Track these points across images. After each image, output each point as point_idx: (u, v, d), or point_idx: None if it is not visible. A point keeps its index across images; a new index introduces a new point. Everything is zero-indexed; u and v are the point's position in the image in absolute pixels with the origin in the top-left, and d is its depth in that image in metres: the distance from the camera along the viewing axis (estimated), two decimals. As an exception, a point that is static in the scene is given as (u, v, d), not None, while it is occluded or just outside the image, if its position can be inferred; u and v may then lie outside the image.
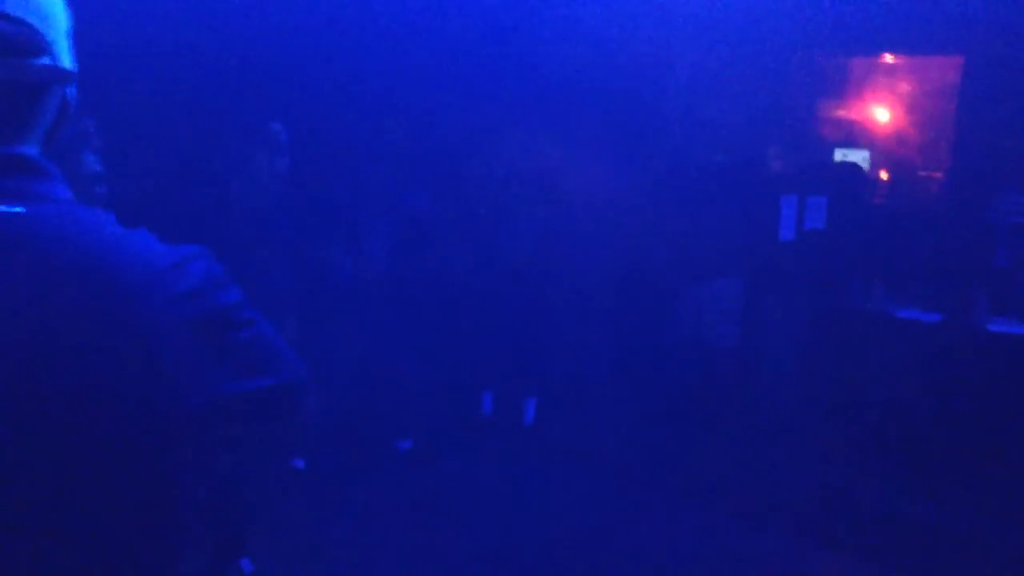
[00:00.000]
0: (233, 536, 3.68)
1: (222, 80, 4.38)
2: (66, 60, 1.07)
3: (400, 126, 5.15)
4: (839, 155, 7.82)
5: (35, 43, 1.01)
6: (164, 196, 3.72)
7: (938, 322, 5.39)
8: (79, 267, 0.98)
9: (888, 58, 7.82)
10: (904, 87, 8.09)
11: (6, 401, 0.93)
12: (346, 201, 4.78)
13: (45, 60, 1.03)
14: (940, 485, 4.96)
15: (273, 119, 3.74)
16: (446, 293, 5.29)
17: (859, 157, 7.94)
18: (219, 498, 3.60)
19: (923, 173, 7.78)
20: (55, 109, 1.07)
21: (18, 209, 0.97)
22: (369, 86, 5.17)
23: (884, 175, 8.05)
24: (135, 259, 1.02)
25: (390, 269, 4.95)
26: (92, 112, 3.58)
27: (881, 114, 8.35)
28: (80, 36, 1.12)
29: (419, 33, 5.43)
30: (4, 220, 0.96)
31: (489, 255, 5.46)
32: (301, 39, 4.77)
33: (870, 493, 4.95)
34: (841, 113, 8.30)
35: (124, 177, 3.66)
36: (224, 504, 3.62)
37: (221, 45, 4.45)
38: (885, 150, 8.22)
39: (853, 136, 8.36)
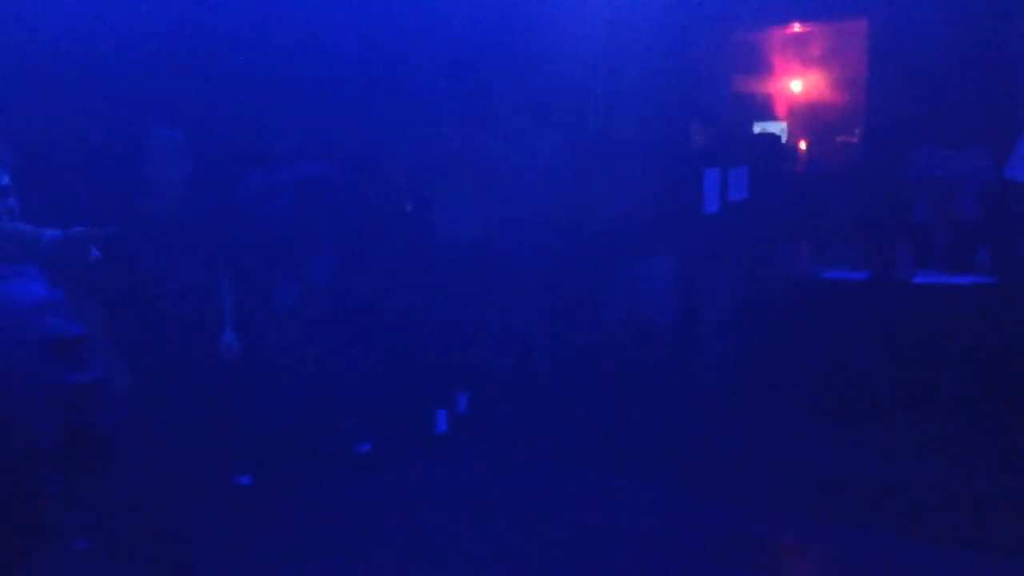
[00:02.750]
0: (174, 560, 3.57)
1: (129, 86, 4.26)
2: None
3: (319, 127, 5.06)
4: (758, 128, 7.96)
5: None
6: (74, 208, 3.60)
7: (865, 280, 5.49)
8: None
9: (796, 27, 7.96)
10: (814, 54, 8.24)
11: None
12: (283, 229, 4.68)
13: None
14: (881, 439, 5.06)
15: (165, 125, 3.63)
16: (389, 293, 5.21)
17: (777, 128, 8.09)
18: (155, 522, 3.49)
19: (840, 137, 7.93)
20: None
21: None
22: (287, 88, 5.06)
23: (803, 143, 8.20)
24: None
25: (333, 279, 4.88)
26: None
27: (795, 84, 8.50)
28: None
29: (333, 28, 5.33)
30: None
31: (425, 250, 5.40)
32: (207, 39, 4.65)
33: (814, 453, 5.02)
34: (757, 86, 8.43)
35: (33, 190, 3.55)
36: (161, 528, 3.51)
37: (125, 51, 4.32)
38: (802, 118, 8.38)
39: (770, 108, 8.51)
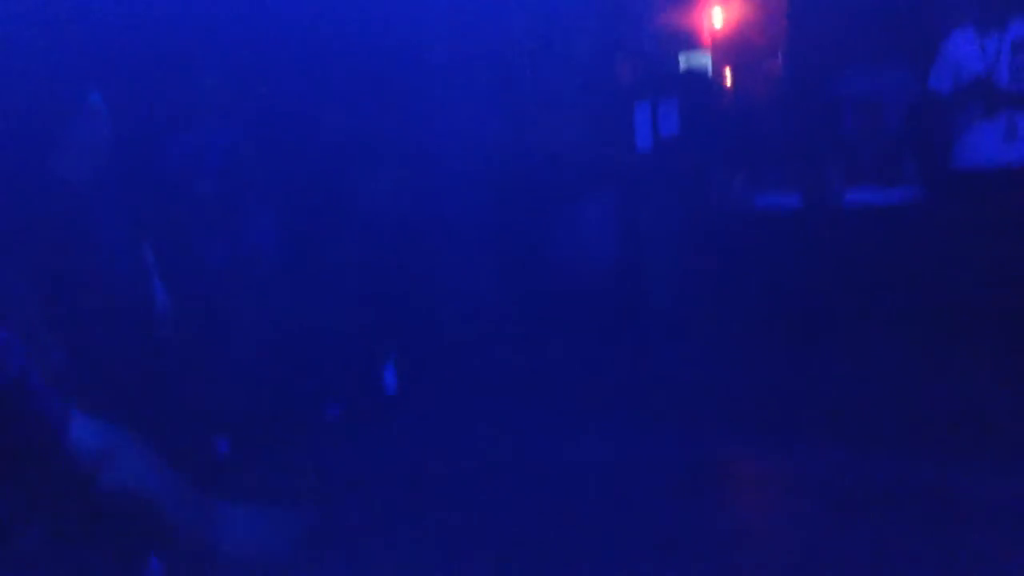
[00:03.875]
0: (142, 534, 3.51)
1: (43, 49, 4.08)
2: None
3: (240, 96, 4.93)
4: (683, 60, 7.93)
5: None
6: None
7: (798, 204, 5.55)
8: None
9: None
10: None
11: None
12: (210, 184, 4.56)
13: None
14: (827, 362, 5.14)
15: (91, 90, 3.50)
16: (333, 259, 5.13)
17: (701, 59, 8.06)
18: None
19: (765, 62, 7.93)
20: None
21: None
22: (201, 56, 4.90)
23: (728, 71, 8.19)
24: None
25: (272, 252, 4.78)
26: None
27: (717, 12, 8.45)
28: None
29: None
30: None
31: (357, 217, 5.32)
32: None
33: (764, 380, 5.10)
34: (679, 17, 8.37)
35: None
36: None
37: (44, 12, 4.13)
38: (725, 47, 8.35)
39: (693, 38, 8.46)
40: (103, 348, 3.40)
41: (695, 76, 6.79)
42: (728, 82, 8.05)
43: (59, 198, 3.37)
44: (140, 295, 3.63)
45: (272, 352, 4.80)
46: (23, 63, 3.89)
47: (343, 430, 4.96)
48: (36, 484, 1.62)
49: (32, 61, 3.92)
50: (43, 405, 1.42)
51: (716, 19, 8.53)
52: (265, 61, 5.23)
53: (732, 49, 8.38)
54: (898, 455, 4.04)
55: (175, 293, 3.83)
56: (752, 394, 4.91)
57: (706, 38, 8.53)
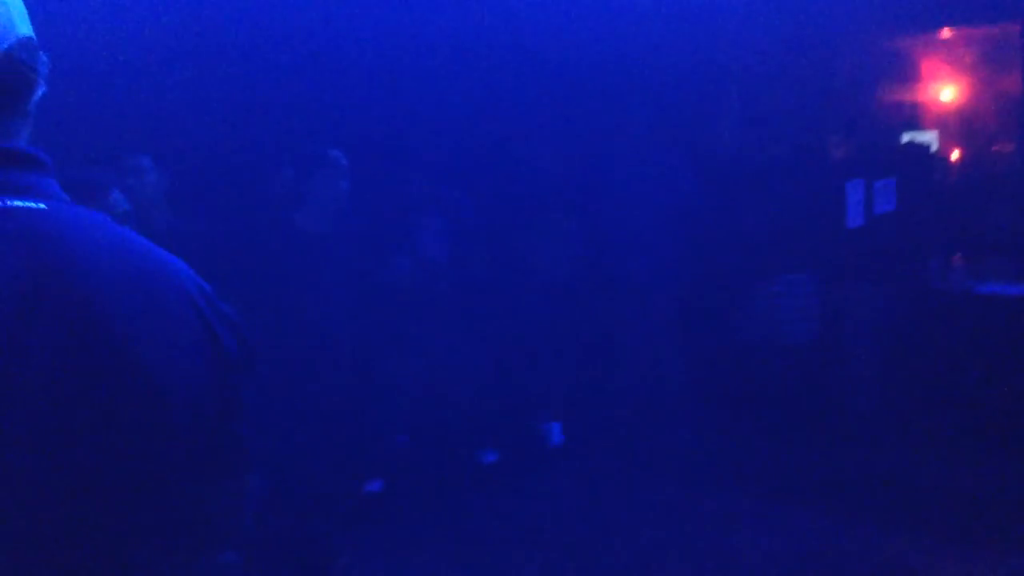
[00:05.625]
0: (315, 568, 3.68)
1: (271, 106, 4.47)
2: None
3: (434, 128, 5.13)
4: (906, 138, 7.61)
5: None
6: (226, 228, 3.78)
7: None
8: (129, 252, 1.06)
9: (946, 32, 7.59)
10: (966, 60, 7.82)
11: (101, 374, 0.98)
12: (394, 203, 4.78)
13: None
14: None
15: (332, 145, 3.80)
16: (503, 305, 5.20)
17: (927, 137, 7.71)
18: (296, 532, 3.61)
19: (995, 147, 7.50)
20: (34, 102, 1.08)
21: (41, 206, 0.99)
22: (398, 90, 5.15)
23: (955, 153, 7.79)
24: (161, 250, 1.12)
25: (448, 270, 4.89)
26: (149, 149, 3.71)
27: (946, 91, 8.09)
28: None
29: (451, 35, 5.39)
30: (32, 216, 0.98)
31: (537, 267, 5.38)
32: (340, 60, 4.80)
33: (969, 480, 4.73)
34: (904, 94, 8.07)
35: (184, 211, 3.77)
36: (298, 539, 3.63)
37: (264, 72, 4.53)
38: (953, 127, 7.96)
39: (919, 116, 8.13)
40: (306, 387, 3.64)
41: (917, 154, 6.49)
42: (954, 162, 7.66)
43: (299, 251, 3.66)
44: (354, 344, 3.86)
45: (438, 391, 4.90)
46: (262, 123, 4.28)
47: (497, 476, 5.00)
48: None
49: (269, 118, 4.31)
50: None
51: (946, 96, 8.16)
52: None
53: (962, 128, 7.97)
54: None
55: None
56: (950, 495, 4.55)
57: (934, 116, 8.17)
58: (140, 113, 4.09)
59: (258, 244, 3.65)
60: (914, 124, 7.86)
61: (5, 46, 0.99)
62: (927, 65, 8.00)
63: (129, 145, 3.67)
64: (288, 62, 4.65)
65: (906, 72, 7.92)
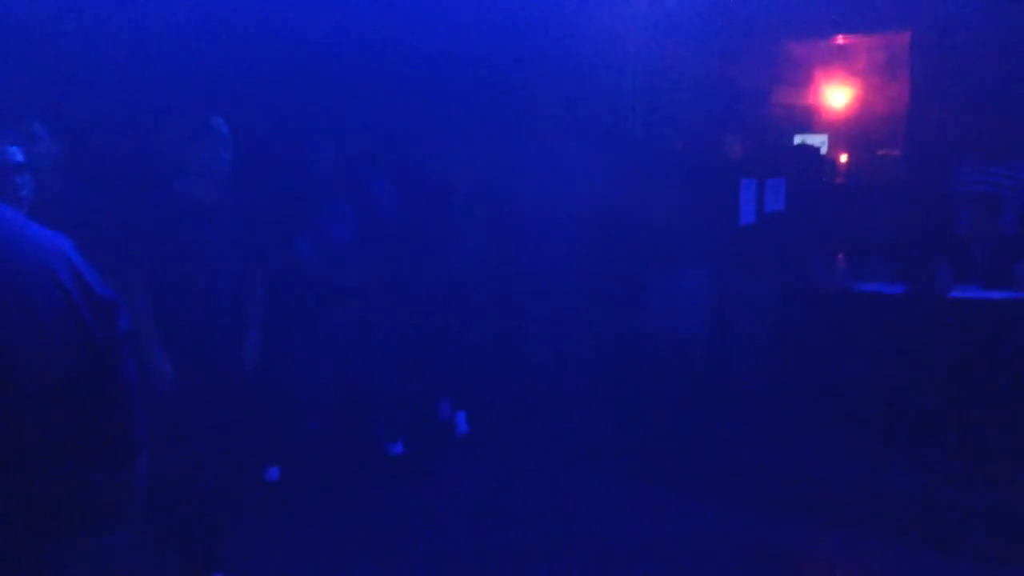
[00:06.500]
0: (205, 552, 3.64)
1: (165, 76, 4.35)
2: None
3: (353, 121, 5.08)
4: (797, 140, 7.90)
5: None
6: (111, 192, 3.68)
7: (901, 294, 5.42)
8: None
9: (839, 39, 7.89)
10: (857, 67, 8.16)
11: None
12: (302, 188, 4.71)
13: None
14: (917, 453, 4.98)
15: (213, 113, 3.70)
16: (411, 294, 5.21)
17: (817, 140, 8.02)
18: (187, 514, 3.56)
19: (881, 151, 7.85)
20: None
21: None
22: (319, 81, 5.10)
23: (843, 156, 8.12)
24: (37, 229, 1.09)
25: (356, 262, 4.84)
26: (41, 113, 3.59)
27: (836, 96, 8.42)
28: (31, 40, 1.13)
29: (375, 30, 5.36)
30: None
31: (445, 258, 5.40)
32: (249, 33, 4.71)
33: (848, 468, 4.96)
34: (797, 98, 8.36)
35: (73, 174, 3.66)
36: (193, 520, 3.59)
37: (166, 41, 4.42)
38: (842, 131, 8.29)
39: (810, 120, 8.44)
40: (199, 366, 3.58)
41: (807, 156, 6.73)
42: (842, 165, 7.98)
43: (182, 220, 3.57)
44: (239, 320, 3.79)
45: (344, 382, 4.90)
46: (154, 92, 4.17)
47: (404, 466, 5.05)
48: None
49: (163, 89, 4.20)
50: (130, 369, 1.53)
51: (837, 101, 8.50)
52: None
53: (850, 133, 8.31)
54: (992, 562, 3.87)
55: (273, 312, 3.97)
56: (828, 482, 4.78)
57: (825, 119, 8.49)
58: (34, 80, 3.95)
59: (145, 212, 3.54)
60: (806, 127, 8.17)
61: None
62: (820, 71, 8.31)
63: (22, 112, 3.54)
64: (201, 31, 4.54)
65: (800, 77, 8.21)
